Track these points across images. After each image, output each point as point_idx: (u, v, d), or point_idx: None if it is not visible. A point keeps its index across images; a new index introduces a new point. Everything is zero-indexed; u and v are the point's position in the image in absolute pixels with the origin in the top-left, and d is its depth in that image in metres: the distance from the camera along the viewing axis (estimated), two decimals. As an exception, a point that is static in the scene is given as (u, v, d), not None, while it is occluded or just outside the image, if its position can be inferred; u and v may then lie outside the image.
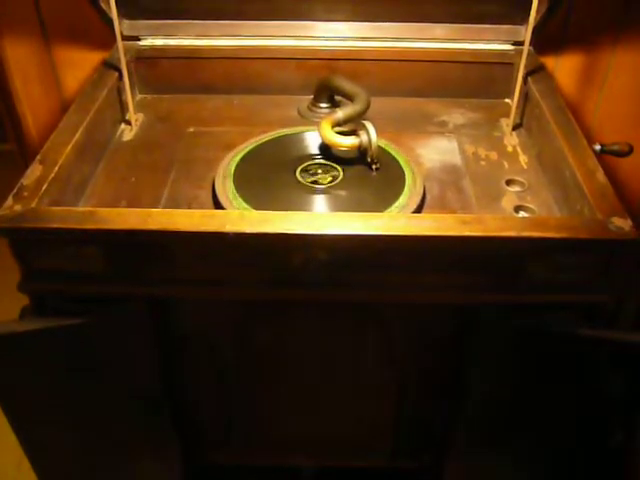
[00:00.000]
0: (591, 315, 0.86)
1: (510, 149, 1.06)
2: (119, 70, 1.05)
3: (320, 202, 0.91)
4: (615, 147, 0.99)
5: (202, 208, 0.91)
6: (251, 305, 0.91)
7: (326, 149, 0.99)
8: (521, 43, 1.05)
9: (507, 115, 1.10)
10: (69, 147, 0.90)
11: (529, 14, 0.96)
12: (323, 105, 1.12)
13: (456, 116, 1.14)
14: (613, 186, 0.84)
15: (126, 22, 1.11)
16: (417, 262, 0.82)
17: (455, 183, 0.98)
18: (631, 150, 0.99)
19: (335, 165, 0.97)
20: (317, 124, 0.97)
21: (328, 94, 1.11)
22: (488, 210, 0.92)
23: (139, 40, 1.14)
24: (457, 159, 1.03)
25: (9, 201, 0.80)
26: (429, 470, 1.15)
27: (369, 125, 0.94)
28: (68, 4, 1.15)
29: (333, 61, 1.14)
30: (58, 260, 0.81)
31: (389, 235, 0.77)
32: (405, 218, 0.82)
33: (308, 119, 1.10)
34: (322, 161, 0.99)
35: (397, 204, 0.89)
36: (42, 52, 1.22)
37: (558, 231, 0.77)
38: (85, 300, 0.86)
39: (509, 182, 0.98)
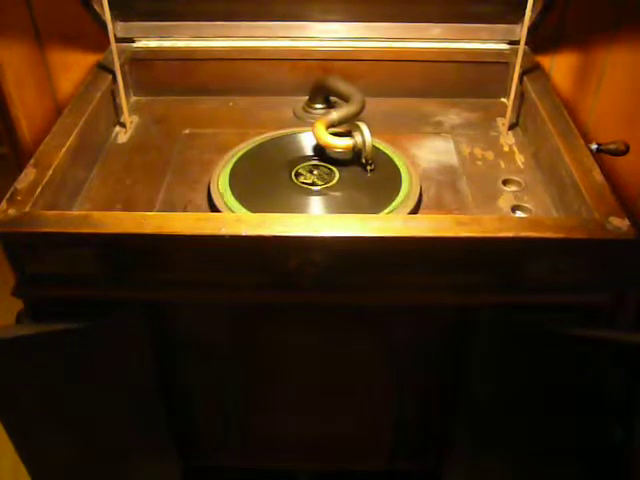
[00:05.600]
0: (591, 315, 0.86)
1: (506, 149, 1.05)
2: (113, 72, 1.05)
3: (316, 204, 0.91)
4: (612, 146, 0.99)
5: (198, 211, 0.91)
6: (248, 308, 0.91)
7: (321, 150, 0.99)
8: (517, 42, 1.05)
9: (503, 115, 1.10)
10: (63, 150, 0.90)
11: (524, 13, 0.95)
12: (318, 106, 1.12)
13: (452, 116, 1.14)
14: (610, 185, 0.84)
15: (120, 24, 1.11)
16: (414, 263, 0.82)
17: (452, 183, 0.97)
18: (627, 149, 0.99)
19: (331, 166, 0.97)
20: (312, 125, 0.96)
21: (323, 95, 1.11)
22: (485, 210, 0.92)
23: (133, 42, 1.14)
24: (453, 159, 1.03)
25: (3, 205, 0.80)
26: (429, 472, 1.15)
27: (363, 126, 0.94)
28: (61, 7, 1.15)
29: (328, 62, 1.14)
30: (53, 264, 0.80)
31: (386, 237, 0.77)
32: (402, 219, 0.82)
33: (303, 120, 1.10)
34: (318, 162, 0.98)
35: (394, 205, 0.89)
36: (36, 55, 1.22)
37: (555, 231, 0.77)
38: (81, 304, 0.85)
39: (506, 182, 0.98)
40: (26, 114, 1.27)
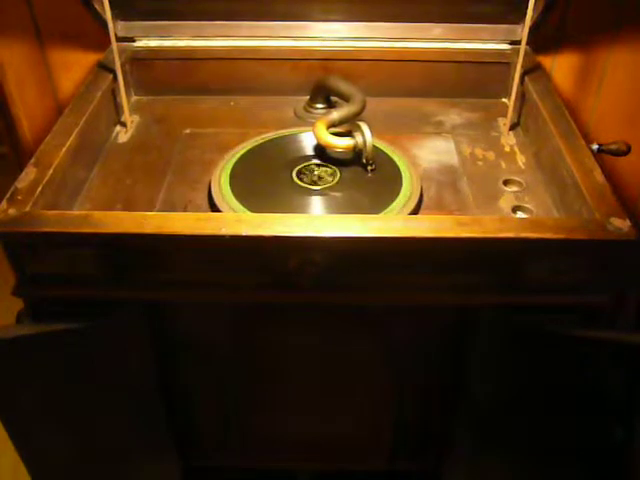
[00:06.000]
0: (591, 315, 0.86)
1: (507, 149, 1.05)
2: (114, 72, 1.05)
3: (317, 204, 0.91)
4: (613, 146, 0.98)
5: (198, 211, 0.91)
6: (248, 308, 0.91)
7: (322, 150, 0.99)
8: (518, 42, 1.05)
9: (504, 115, 1.10)
10: (64, 150, 0.90)
11: (526, 13, 0.95)
12: (319, 106, 1.11)
13: (453, 116, 1.13)
14: (611, 186, 0.84)
15: (120, 23, 1.11)
16: (415, 263, 0.82)
17: (452, 184, 0.97)
18: (629, 149, 0.98)
19: (331, 166, 0.97)
20: (313, 125, 0.96)
21: (324, 95, 1.11)
22: (486, 211, 0.92)
23: (134, 41, 1.13)
24: (454, 159, 1.03)
25: (3, 205, 0.80)
26: (429, 472, 1.14)
27: (364, 126, 0.93)
28: (62, 6, 1.15)
29: (329, 61, 1.14)
30: (53, 264, 0.80)
31: (386, 237, 0.76)
32: (402, 220, 0.82)
33: (304, 120, 1.10)
34: (318, 162, 0.98)
35: (394, 205, 0.88)
36: (36, 54, 1.22)
37: (556, 232, 0.77)
38: (81, 304, 0.85)
39: (507, 182, 0.97)
40: (27, 113, 1.27)
